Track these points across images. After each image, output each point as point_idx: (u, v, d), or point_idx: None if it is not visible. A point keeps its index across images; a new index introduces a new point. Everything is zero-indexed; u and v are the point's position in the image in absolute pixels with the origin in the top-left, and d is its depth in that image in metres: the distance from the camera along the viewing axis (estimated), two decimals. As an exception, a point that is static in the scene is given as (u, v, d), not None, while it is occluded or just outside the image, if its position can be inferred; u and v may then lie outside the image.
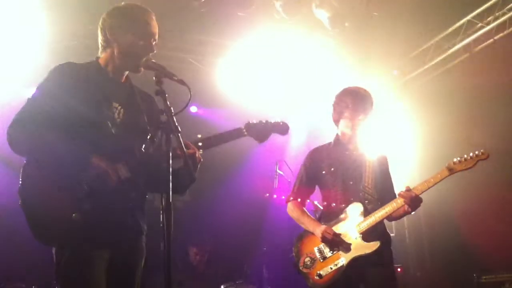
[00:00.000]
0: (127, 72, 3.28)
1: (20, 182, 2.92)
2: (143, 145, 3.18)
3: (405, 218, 6.85)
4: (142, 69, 3.15)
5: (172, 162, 2.70)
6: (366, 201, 4.25)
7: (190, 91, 2.89)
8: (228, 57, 8.01)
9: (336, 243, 4.15)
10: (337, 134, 4.59)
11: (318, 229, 4.22)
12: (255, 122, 3.43)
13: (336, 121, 4.59)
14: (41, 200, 2.87)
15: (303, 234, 4.44)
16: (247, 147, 7.91)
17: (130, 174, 3.00)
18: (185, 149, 2.97)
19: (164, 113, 2.74)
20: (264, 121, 3.46)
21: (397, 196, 4.17)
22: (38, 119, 2.93)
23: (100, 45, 3.25)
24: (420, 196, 4.05)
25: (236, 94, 8.20)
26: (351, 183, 4.38)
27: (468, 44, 7.54)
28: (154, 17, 3.23)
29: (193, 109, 8.52)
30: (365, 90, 4.54)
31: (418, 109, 8.34)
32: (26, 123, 2.93)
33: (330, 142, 4.62)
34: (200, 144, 3.25)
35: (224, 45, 7.90)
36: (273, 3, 6.74)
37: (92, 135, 3.00)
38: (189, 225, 7.65)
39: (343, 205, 4.30)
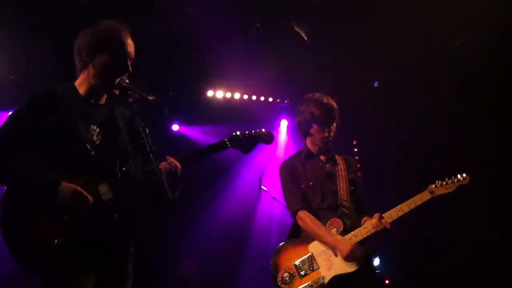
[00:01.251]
0: (105, 94, 3.23)
1: (1, 210, 2.88)
2: (124, 166, 3.14)
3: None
4: (118, 92, 3.12)
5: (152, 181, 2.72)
6: (345, 218, 4.24)
7: (166, 111, 2.87)
8: (209, 72, 8.05)
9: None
10: (306, 146, 4.54)
11: (343, 244, 4.08)
12: (238, 133, 3.43)
13: (304, 133, 4.52)
14: (22, 229, 2.83)
15: (281, 248, 4.35)
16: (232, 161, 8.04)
17: (112, 194, 2.97)
18: (163, 166, 3.04)
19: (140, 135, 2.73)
20: (247, 132, 3.45)
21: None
22: (9, 147, 2.91)
23: (76, 66, 3.21)
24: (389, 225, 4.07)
25: (218, 109, 8.23)
26: (329, 197, 4.36)
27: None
28: (129, 36, 3.20)
29: (174, 127, 8.51)
30: (332, 100, 4.49)
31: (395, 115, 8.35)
32: None
33: (300, 154, 4.56)
34: (183, 161, 3.22)
35: (205, 62, 7.91)
36: (251, 20, 6.72)
37: (70, 159, 2.97)
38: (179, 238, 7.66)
39: (323, 222, 4.26)
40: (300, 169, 4.47)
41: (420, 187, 4.20)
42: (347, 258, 4.05)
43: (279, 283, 4.20)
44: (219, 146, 3.38)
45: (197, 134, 8.52)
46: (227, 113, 8.42)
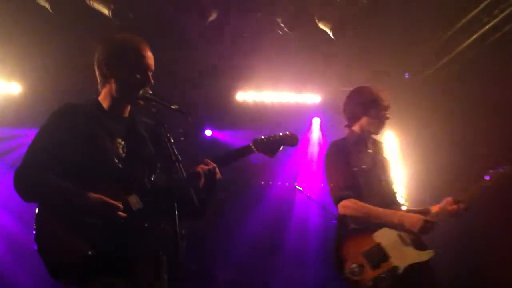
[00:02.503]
0: (129, 106, 3.29)
1: (34, 228, 2.95)
2: (153, 175, 3.19)
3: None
4: (142, 102, 3.15)
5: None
6: (406, 207, 4.16)
7: (190, 119, 2.92)
8: (239, 78, 8.11)
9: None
10: (354, 131, 4.42)
11: (415, 219, 3.92)
12: (263, 137, 3.48)
13: (356, 117, 4.41)
14: (56, 245, 2.89)
15: (342, 238, 4.11)
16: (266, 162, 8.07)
17: (142, 204, 3.03)
18: (201, 168, 3.15)
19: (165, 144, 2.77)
20: (272, 135, 3.48)
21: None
22: (39, 165, 2.96)
23: (98, 79, 3.26)
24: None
25: (250, 114, 8.27)
26: (383, 184, 4.28)
27: (476, 40, 7.43)
28: (148, 48, 3.24)
29: (207, 132, 8.59)
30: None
31: (432, 111, 8.23)
32: (27, 171, 2.96)
33: (347, 138, 4.42)
34: (216, 162, 3.29)
35: (234, 66, 7.96)
36: (275, 20, 6.74)
37: (98, 172, 3.02)
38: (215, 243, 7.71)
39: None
40: (352, 152, 4.31)
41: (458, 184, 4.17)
42: (421, 232, 3.90)
43: (347, 274, 3.95)
44: (245, 150, 3.43)
45: (230, 138, 8.57)
46: (258, 115, 8.44)
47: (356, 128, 4.43)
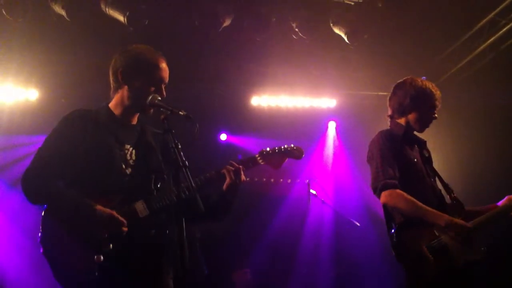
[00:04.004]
0: (137, 114, 3.35)
1: (40, 230, 3.00)
2: (159, 183, 3.23)
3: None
4: (152, 110, 3.21)
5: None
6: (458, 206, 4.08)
7: (197, 125, 2.92)
8: (254, 83, 8.13)
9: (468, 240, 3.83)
10: (399, 124, 4.25)
11: (459, 227, 3.82)
12: (268, 149, 3.51)
13: (404, 111, 4.22)
14: (62, 249, 2.93)
15: (404, 227, 3.93)
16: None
17: (149, 211, 3.07)
18: (227, 169, 3.27)
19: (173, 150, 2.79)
20: (277, 148, 3.52)
21: None
22: (47, 169, 3.01)
23: (111, 85, 3.32)
24: None
25: (265, 119, 8.29)
26: (431, 180, 4.17)
27: (493, 43, 7.38)
28: (164, 61, 3.30)
29: (222, 137, 8.63)
30: None
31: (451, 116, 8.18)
32: (36, 174, 3.02)
33: (393, 130, 4.25)
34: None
35: (249, 70, 7.98)
36: (290, 25, 6.75)
37: (106, 178, 3.07)
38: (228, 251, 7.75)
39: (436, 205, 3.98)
40: (400, 144, 4.14)
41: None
42: (466, 242, 3.81)
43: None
44: (251, 162, 3.46)
45: (245, 142, 8.59)
46: (273, 120, 8.45)
47: (401, 121, 4.26)
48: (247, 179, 3.41)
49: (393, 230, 3.99)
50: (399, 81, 4.36)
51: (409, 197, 3.89)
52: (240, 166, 3.33)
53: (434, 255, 3.77)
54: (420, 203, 3.88)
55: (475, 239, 3.88)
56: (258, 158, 3.47)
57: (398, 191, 3.90)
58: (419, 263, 3.78)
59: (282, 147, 3.53)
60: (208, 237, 7.26)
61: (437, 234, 3.86)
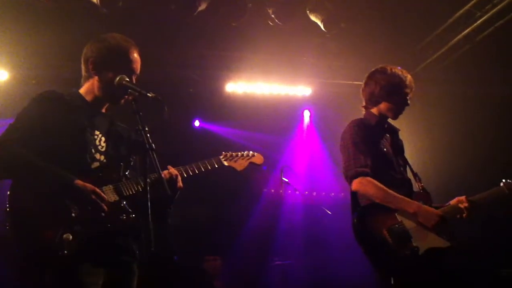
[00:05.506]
0: (107, 104, 3.34)
1: (8, 204, 2.90)
2: (127, 171, 3.24)
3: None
4: (122, 101, 3.21)
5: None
6: (429, 194, 4.09)
7: (165, 108, 2.88)
8: (229, 69, 8.07)
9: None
10: (372, 113, 4.27)
11: (430, 214, 3.84)
12: (231, 152, 3.68)
13: (376, 101, 4.23)
14: (30, 223, 2.86)
15: (367, 212, 3.95)
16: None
17: (117, 197, 3.07)
18: (164, 175, 3.18)
19: (139, 132, 2.77)
20: (240, 153, 3.72)
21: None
22: (19, 143, 2.95)
23: (82, 74, 3.30)
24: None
25: (240, 105, 8.25)
26: (401, 169, 4.19)
27: (469, 35, 7.43)
28: (136, 51, 3.28)
29: (196, 123, 8.59)
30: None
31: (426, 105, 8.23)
32: (6, 146, 2.94)
33: (366, 119, 4.26)
34: (181, 172, 3.37)
35: (223, 57, 7.92)
36: (266, 11, 6.69)
37: (75, 159, 3.04)
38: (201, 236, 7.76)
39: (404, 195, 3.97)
40: (372, 133, 4.16)
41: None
42: (435, 229, 3.82)
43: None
44: (215, 163, 3.55)
45: (219, 129, 8.56)
46: (248, 106, 8.41)
47: (374, 111, 4.27)
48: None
49: (355, 214, 4.01)
50: (370, 71, 4.36)
51: (379, 184, 3.91)
52: (177, 174, 3.28)
53: (394, 239, 3.77)
54: (390, 190, 3.91)
55: (444, 226, 3.88)
56: (223, 159, 3.62)
57: (369, 178, 3.92)
58: (378, 246, 3.79)
59: (244, 153, 3.75)
60: (181, 224, 7.25)
61: (399, 219, 3.88)
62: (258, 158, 3.82)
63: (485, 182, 4.35)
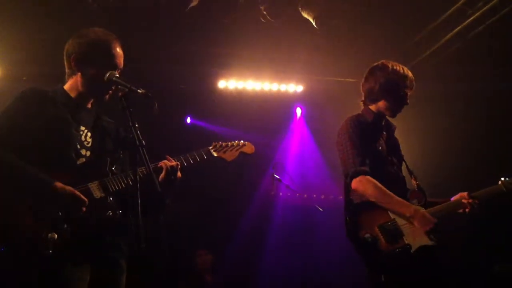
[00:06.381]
0: (93, 99, 3.31)
1: None
2: (114, 166, 3.20)
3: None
4: (107, 97, 3.19)
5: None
6: (424, 192, 4.09)
7: (155, 104, 2.86)
8: (221, 66, 8.04)
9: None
10: (370, 110, 4.24)
11: (427, 219, 3.83)
12: (221, 143, 3.59)
13: (375, 98, 4.21)
14: (14, 222, 2.83)
15: (360, 207, 3.95)
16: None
17: (104, 193, 3.04)
18: (164, 163, 3.20)
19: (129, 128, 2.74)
20: (230, 143, 3.62)
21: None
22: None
23: (66, 70, 3.27)
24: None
25: (231, 102, 8.23)
26: (395, 168, 4.18)
27: (460, 32, 7.43)
28: (119, 45, 3.25)
29: (187, 120, 8.59)
30: None
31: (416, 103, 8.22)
32: None
33: (363, 116, 4.23)
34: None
35: (215, 53, 7.89)
36: (258, 8, 6.66)
37: (60, 156, 3.02)
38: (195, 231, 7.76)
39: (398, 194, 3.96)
40: (369, 131, 4.13)
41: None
42: (428, 233, 3.82)
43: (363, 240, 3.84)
44: (204, 154, 3.48)
45: (210, 125, 8.54)
46: (240, 103, 8.39)
47: (372, 107, 4.25)
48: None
49: (348, 211, 4.02)
50: (372, 65, 4.34)
51: (379, 184, 3.90)
52: (177, 163, 3.27)
53: (385, 236, 3.79)
54: (388, 191, 3.91)
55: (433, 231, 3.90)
56: (212, 150, 3.53)
57: (369, 177, 3.92)
58: (369, 243, 3.79)
59: (234, 142, 3.65)
60: (173, 219, 7.24)
61: (392, 216, 3.88)
62: (248, 148, 3.72)
63: (477, 178, 4.38)
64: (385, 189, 3.90)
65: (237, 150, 3.63)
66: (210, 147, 3.53)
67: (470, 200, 4.04)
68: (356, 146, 4.01)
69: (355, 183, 3.94)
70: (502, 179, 4.12)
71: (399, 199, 3.91)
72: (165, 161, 3.26)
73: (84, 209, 2.92)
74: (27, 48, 7.08)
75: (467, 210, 4.06)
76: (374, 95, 4.21)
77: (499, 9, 6.81)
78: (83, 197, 2.92)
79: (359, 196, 3.99)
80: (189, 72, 8.08)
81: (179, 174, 3.27)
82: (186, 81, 8.14)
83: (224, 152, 3.57)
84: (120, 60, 3.24)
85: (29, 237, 2.80)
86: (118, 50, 3.24)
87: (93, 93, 3.24)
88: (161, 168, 3.24)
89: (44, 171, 2.92)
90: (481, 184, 4.19)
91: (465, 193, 4.09)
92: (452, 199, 4.15)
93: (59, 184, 2.88)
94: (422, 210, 3.91)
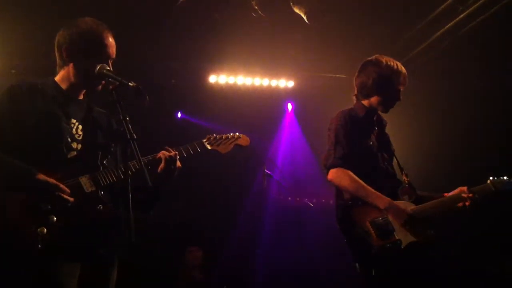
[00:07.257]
0: (84, 90, 3.27)
1: None
2: (106, 160, 3.16)
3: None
4: (100, 87, 3.15)
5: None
6: (414, 188, 4.09)
7: (146, 97, 2.83)
8: (212, 61, 8.01)
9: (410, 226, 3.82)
10: (362, 104, 4.23)
11: (400, 211, 3.81)
12: (215, 135, 3.51)
13: (367, 94, 4.20)
14: (1, 218, 2.79)
15: (353, 203, 3.94)
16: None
17: (94, 187, 2.99)
18: (162, 154, 3.16)
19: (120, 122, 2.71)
20: (224, 135, 3.53)
21: None
22: None
23: (57, 61, 3.22)
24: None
25: (222, 97, 8.21)
26: (386, 164, 4.17)
27: (451, 29, 7.45)
28: (111, 35, 3.21)
29: (178, 114, 8.57)
30: None
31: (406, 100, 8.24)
32: None
33: (355, 110, 4.21)
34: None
35: (207, 48, 7.86)
36: (249, 3, 6.64)
37: (50, 150, 2.97)
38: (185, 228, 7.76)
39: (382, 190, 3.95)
40: (360, 126, 4.13)
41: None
42: (404, 227, 3.80)
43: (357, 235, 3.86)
44: (197, 147, 3.41)
45: (201, 120, 8.52)
46: (231, 98, 8.38)
47: (365, 102, 4.24)
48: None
49: (340, 206, 4.02)
50: (366, 59, 4.33)
51: (354, 176, 3.90)
52: (176, 153, 3.22)
53: (376, 231, 3.79)
54: (364, 184, 3.90)
55: (417, 223, 3.87)
56: (206, 142, 3.46)
57: (345, 170, 3.91)
58: (361, 238, 3.80)
59: (229, 135, 3.57)
60: (165, 216, 7.25)
61: (384, 212, 3.88)
62: (243, 140, 3.64)
63: (467, 176, 4.38)
64: (360, 181, 3.89)
65: (231, 142, 3.55)
66: (204, 140, 3.46)
67: (470, 194, 4.02)
68: (339, 139, 4.01)
69: (331, 174, 3.95)
70: (491, 178, 4.10)
71: (375, 191, 3.89)
72: (163, 151, 3.22)
73: (71, 199, 2.87)
74: (15, 41, 7.01)
75: (467, 203, 4.02)
76: (366, 90, 4.20)
77: (489, 6, 6.83)
78: (65, 187, 2.87)
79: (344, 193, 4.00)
80: (179, 67, 8.04)
81: (178, 164, 3.21)
82: (177, 76, 8.09)
83: (218, 145, 3.49)
84: (113, 50, 3.21)
85: (18, 232, 2.77)
86: (110, 40, 3.20)
87: (85, 84, 3.20)
88: (159, 159, 3.19)
89: (34, 165, 2.87)
90: (470, 180, 4.18)
91: (464, 188, 4.07)
92: (449, 194, 4.10)
93: (41, 175, 2.84)
94: (397, 202, 3.90)
